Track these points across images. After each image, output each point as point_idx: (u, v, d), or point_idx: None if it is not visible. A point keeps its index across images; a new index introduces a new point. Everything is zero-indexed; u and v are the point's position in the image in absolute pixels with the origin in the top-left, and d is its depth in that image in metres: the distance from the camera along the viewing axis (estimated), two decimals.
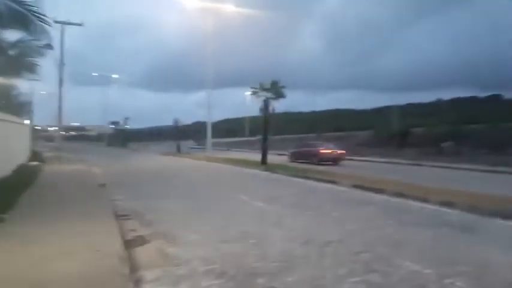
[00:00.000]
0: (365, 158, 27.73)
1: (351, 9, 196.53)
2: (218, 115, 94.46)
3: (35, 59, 16.35)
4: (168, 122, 62.93)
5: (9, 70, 16.21)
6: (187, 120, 48.60)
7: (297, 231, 6.35)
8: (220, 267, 4.62)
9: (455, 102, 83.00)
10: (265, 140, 22.12)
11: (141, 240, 5.99)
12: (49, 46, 17.48)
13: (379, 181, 12.36)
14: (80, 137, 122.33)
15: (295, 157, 25.41)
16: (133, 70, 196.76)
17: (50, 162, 21.64)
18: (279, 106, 22.57)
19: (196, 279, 4.23)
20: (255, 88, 21.84)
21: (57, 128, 32.03)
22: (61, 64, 27.33)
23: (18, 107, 28.11)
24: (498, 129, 30.39)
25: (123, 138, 64.75)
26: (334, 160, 23.24)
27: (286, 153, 27.15)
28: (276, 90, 21.48)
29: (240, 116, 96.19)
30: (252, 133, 71.40)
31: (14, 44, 14.70)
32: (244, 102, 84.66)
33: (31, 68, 17.04)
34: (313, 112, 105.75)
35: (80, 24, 28.14)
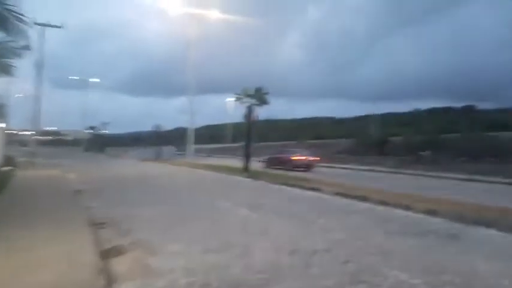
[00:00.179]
0: (346, 165, 27.95)
1: (332, 20, 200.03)
2: (200, 121, 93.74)
3: (11, 60, 15.81)
4: (149, 127, 62.07)
5: None
6: (168, 125, 48.04)
7: (282, 240, 6.18)
8: (202, 279, 4.41)
9: (432, 112, 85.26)
10: (248, 146, 21.95)
11: (118, 250, 5.70)
12: (27, 47, 16.93)
13: (362, 189, 12.35)
14: (56, 141, 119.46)
15: (270, 163, 26.00)
16: (114, 75, 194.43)
17: (24, 168, 20.95)
18: (262, 113, 22.34)
19: None
20: (239, 94, 21.62)
21: (32, 132, 31.04)
22: (39, 66, 26.66)
23: None
24: (473, 138, 31.23)
25: (101, 143, 63.54)
26: (307, 166, 23.99)
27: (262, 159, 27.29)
28: (259, 96, 21.33)
29: (221, 122, 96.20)
30: (234, 140, 71.25)
31: None
32: (226, 109, 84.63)
33: (6, 70, 16.44)
34: (294, 120, 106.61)
35: (59, 27, 27.63)
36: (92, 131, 71.44)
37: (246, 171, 20.26)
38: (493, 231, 7.02)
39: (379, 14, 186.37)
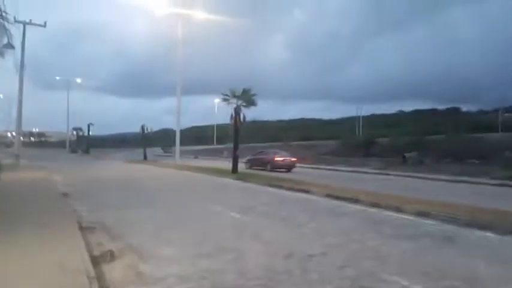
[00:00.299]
0: (332, 166, 27.99)
1: (319, 22, 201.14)
2: (185, 122, 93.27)
3: None
4: (133, 128, 61.50)
5: None
6: (153, 127, 47.31)
7: (276, 244, 6.10)
8: (197, 285, 4.31)
9: (417, 113, 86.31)
10: (236, 148, 21.79)
11: (110, 256, 5.55)
12: (9, 45, 16.53)
13: (351, 191, 12.34)
14: (40, 143, 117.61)
15: (251, 164, 26.31)
16: (99, 76, 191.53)
17: (8, 170, 20.42)
18: (249, 114, 22.02)
19: None
20: (226, 95, 21.38)
21: (16, 134, 30.32)
22: (22, 66, 26.05)
23: None
24: (458, 140, 31.63)
25: (86, 144, 62.53)
26: (287, 167, 24.43)
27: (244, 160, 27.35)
28: (247, 97, 21.08)
29: (207, 124, 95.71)
30: (220, 141, 70.90)
31: None
32: (211, 110, 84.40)
33: None
34: (280, 121, 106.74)
35: (42, 25, 27.03)
36: (77, 132, 70.28)
37: (234, 173, 20.14)
38: (488, 234, 7.02)
39: (365, 17, 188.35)
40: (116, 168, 26.93)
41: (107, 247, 5.92)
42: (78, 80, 65.06)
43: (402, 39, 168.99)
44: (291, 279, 4.53)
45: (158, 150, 58.21)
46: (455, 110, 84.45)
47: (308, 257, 5.39)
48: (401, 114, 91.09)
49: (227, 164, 22.87)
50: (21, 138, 32.11)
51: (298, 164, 25.52)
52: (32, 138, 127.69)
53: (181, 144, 34.05)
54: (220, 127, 75.56)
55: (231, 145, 27.90)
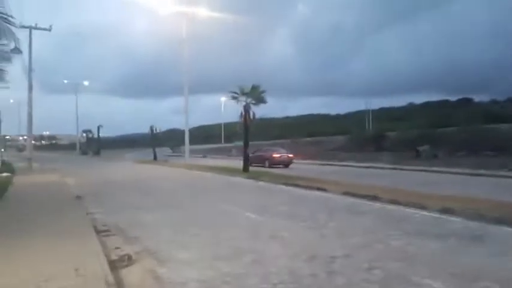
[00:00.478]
0: (343, 163, 27.56)
1: (323, 16, 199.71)
2: (192, 121, 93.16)
3: (2, 64, 15.40)
4: (141, 129, 61.83)
5: None
6: (161, 127, 47.30)
7: (296, 246, 5.89)
8: None
9: (427, 106, 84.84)
10: (246, 146, 21.57)
11: (128, 260, 5.42)
12: (17, 50, 16.53)
13: (369, 187, 12.05)
14: (51, 146, 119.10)
15: (251, 161, 25.78)
16: (106, 77, 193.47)
17: (21, 173, 20.57)
18: (258, 112, 21.63)
19: None
20: (235, 93, 21.09)
21: (28, 138, 30.49)
22: (30, 70, 26.19)
23: None
24: (472, 131, 30.89)
25: (96, 146, 62.92)
26: (285, 163, 25.38)
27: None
28: (256, 95, 20.75)
29: (214, 122, 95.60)
30: (227, 140, 70.76)
31: None
32: (218, 109, 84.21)
33: None
34: (287, 117, 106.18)
35: (48, 29, 27.14)
36: (86, 134, 70.80)
37: (245, 171, 19.94)
38: None
39: (371, 8, 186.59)
40: (127, 169, 26.94)
41: (124, 251, 5.81)
42: (86, 83, 65.70)
43: (410, 30, 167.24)
44: (317, 283, 4.33)
45: (167, 150, 58.35)
46: (467, 101, 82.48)
47: (331, 258, 5.18)
48: (410, 107, 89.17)
49: (237, 163, 22.63)
50: (33, 141, 32.33)
51: (307, 161, 25.41)
52: (43, 142, 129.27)
53: (190, 143, 33.99)
54: (228, 125, 75.45)
55: (240, 143, 27.78)
